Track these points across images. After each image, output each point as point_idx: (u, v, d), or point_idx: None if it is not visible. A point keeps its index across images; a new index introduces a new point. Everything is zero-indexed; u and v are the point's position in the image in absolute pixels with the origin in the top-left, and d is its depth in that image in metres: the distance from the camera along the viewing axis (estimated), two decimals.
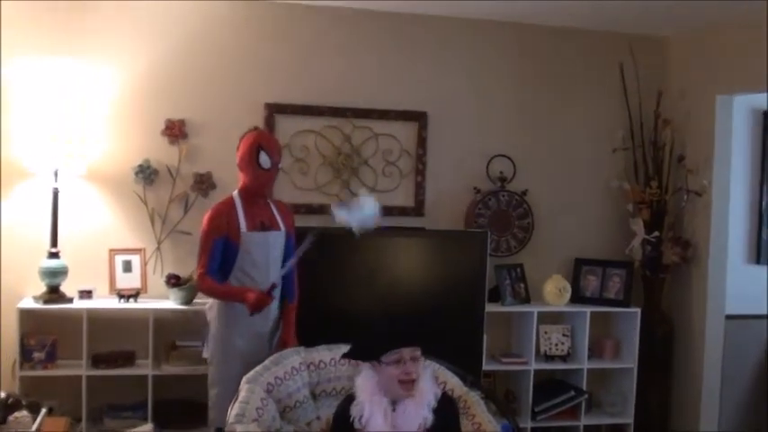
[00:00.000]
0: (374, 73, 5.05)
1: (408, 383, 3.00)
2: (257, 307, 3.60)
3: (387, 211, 4.92)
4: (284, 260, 3.81)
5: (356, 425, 3.03)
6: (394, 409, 3.03)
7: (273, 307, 3.81)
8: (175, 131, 4.74)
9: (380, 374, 3.03)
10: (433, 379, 3.18)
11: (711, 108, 5.06)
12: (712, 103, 5.05)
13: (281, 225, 3.85)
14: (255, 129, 3.98)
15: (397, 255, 4.75)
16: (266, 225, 3.80)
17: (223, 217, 3.72)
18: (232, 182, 4.63)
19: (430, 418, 3.06)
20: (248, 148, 3.75)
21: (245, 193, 3.79)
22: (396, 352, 2.99)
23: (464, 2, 4.78)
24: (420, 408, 3.04)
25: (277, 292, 3.78)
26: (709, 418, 5.14)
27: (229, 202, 3.78)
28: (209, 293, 3.76)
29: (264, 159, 3.73)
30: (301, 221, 4.35)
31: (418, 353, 3.03)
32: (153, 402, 4.50)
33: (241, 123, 4.65)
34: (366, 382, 3.09)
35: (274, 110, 4.85)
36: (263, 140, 3.79)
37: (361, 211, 3.34)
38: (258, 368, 3.58)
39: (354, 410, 3.05)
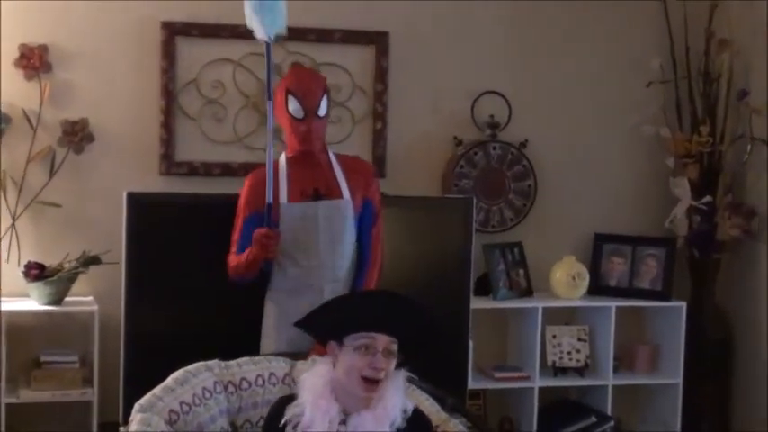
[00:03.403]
0: None
1: (372, 384, 2.79)
2: (261, 245, 3.44)
3: None
4: (360, 234, 3.73)
5: (289, 431, 2.85)
6: (344, 422, 2.81)
7: (329, 290, 3.66)
8: (34, 62, 4.43)
9: (339, 363, 2.86)
10: (403, 389, 2.94)
11: None
12: None
13: (345, 191, 3.67)
14: (293, 66, 4.09)
15: None
16: (322, 193, 3.65)
17: (261, 186, 3.58)
18: (116, 132, 4.57)
19: None
20: (279, 96, 3.64)
21: (291, 153, 3.68)
22: (367, 336, 2.81)
23: None
24: (380, 425, 2.81)
25: (323, 250, 3.62)
26: None
27: (273, 168, 3.72)
28: (236, 276, 3.62)
29: (295, 107, 3.57)
30: (217, 187, 4.19)
31: (395, 347, 2.83)
32: None
33: (127, 50, 4.55)
34: (314, 380, 2.90)
35: (174, 31, 4.52)
36: (292, 82, 3.64)
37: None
38: (156, 390, 3.17)
39: (290, 411, 2.85)
